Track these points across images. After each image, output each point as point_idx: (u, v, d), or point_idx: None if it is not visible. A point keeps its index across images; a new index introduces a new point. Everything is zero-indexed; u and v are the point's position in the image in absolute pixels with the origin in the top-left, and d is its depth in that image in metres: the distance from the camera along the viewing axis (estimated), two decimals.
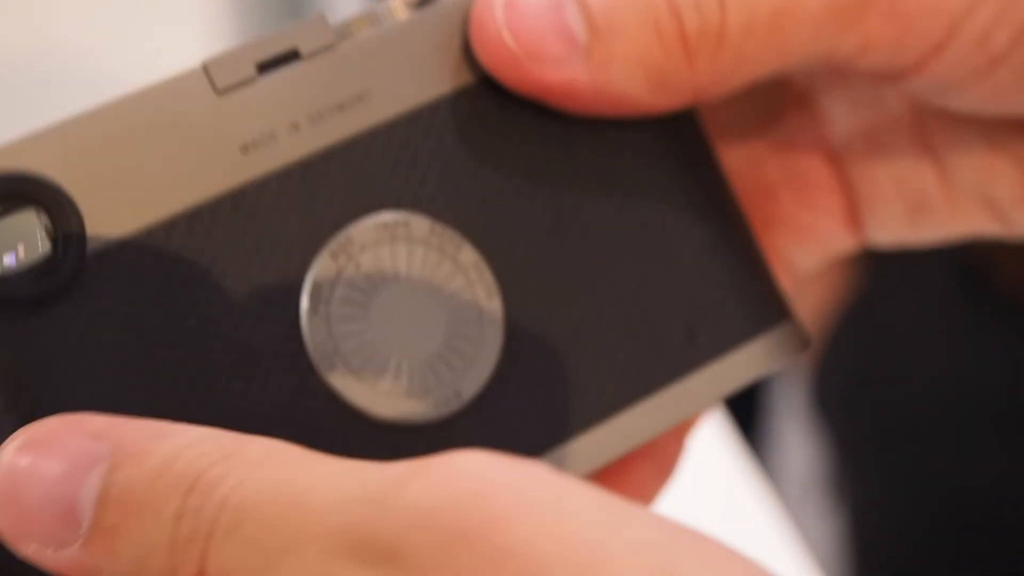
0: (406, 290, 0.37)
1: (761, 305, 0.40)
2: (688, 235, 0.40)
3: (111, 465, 0.32)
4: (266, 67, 0.37)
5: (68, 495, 0.32)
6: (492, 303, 0.38)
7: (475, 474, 0.29)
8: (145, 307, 0.35)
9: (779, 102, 0.45)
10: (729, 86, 0.39)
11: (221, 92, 0.36)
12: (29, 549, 0.32)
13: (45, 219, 0.34)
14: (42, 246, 0.34)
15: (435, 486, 0.29)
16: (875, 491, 1.03)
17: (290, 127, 0.37)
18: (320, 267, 0.36)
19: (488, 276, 0.38)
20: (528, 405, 0.38)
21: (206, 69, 0.36)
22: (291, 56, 0.37)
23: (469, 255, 0.38)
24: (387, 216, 0.37)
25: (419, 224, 0.37)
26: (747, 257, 0.41)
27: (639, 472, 0.42)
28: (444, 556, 0.29)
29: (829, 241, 0.45)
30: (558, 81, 0.38)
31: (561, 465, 0.38)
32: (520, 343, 0.38)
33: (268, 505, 0.30)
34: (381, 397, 0.36)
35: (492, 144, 0.38)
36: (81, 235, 0.34)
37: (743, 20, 0.38)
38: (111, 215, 0.35)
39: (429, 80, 0.38)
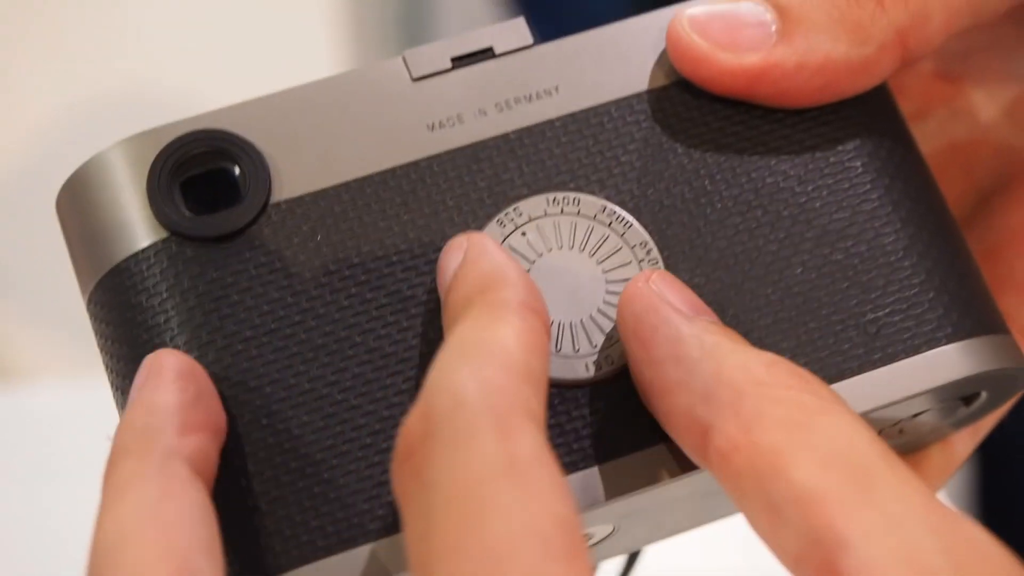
0: (569, 258, 0.39)
1: (963, 310, 0.39)
2: (882, 229, 0.40)
3: None
4: (461, 61, 0.40)
5: None
6: None
7: None
8: (317, 254, 0.38)
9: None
10: (934, 22, 0.39)
11: (416, 79, 0.40)
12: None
13: (238, 171, 0.39)
14: (232, 194, 0.39)
15: None
16: None
17: (477, 112, 0.40)
18: (486, 232, 0.39)
19: (655, 254, 0.39)
20: None
21: (404, 59, 0.40)
22: (486, 53, 0.41)
23: (638, 234, 0.39)
24: (559, 193, 0.39)
25: (590, 202, 0.39)
26: (949, 256, 0.40)
27: (933, 459, 0.43)
28: None
29: None
30: (761, 63, 0.39)
31: None
32: None
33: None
34: None
35: (678, 137, 0.40)
36: (267, 188, 0.39)
37: None
38: (298, 174, 0.39)
39: (620, 80, 0.40)
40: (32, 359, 0.85)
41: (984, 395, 0.41)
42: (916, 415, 0.40)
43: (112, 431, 0.36)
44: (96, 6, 0.98)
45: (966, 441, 0.44)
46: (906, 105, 0.45)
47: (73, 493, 0.69)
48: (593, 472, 0.38)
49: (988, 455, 1.01)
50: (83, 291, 0.40)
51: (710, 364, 0.34)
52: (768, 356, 0.35)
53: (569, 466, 0.38)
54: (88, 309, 0.40)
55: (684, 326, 0.35)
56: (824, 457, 0.32)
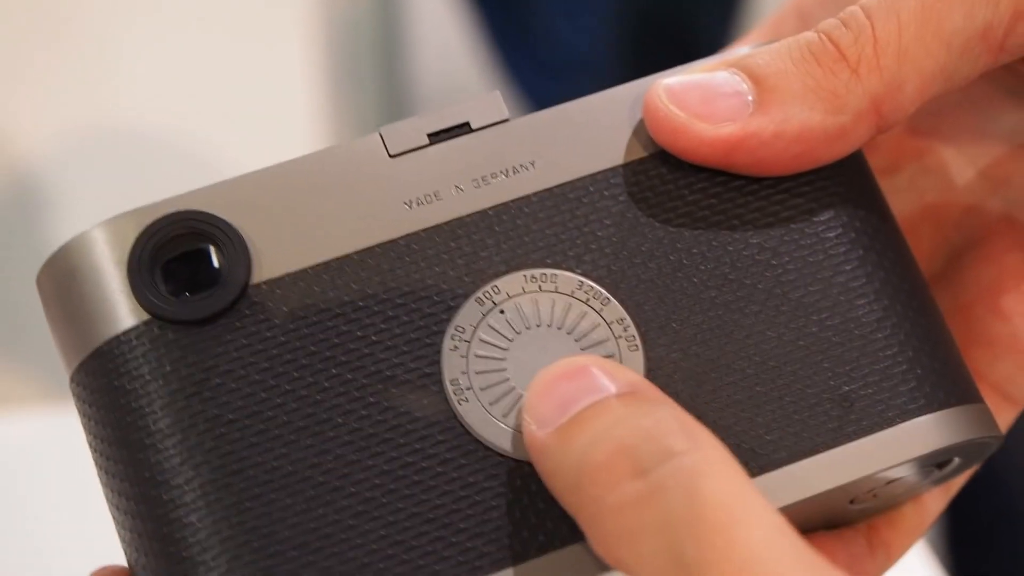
0: (547, 337, 0.39)
1: (936, 381, 0.40)
2: (855, 301, 0.40)
3: None
4: (437, 136, 0.41)
5: None
6: (634, 357, 0.39)
7: None
8: (297, 335, 0.39)
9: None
10: (907, 89, 0.40)
11: (393, 155, 0.40)
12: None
13: (218, 253, 0.39)
14: (212, 275, 0.39)
15: None
16: None
17: (455, 188, 0.40)
18: (465, 311, 0.39)
19: (632, 331, 0.40)
20: None
21: (381, 135, 0.40)
22: (462, 128, 0.41)
23: (615, 311, 0.40)
24: (536, 270, 0.40)
25: (567, 279, 0.40)
26: (923, 327, 0.40)
27: (906, 518, 0.44)
28: None
29: None
30: (738, 133, 0.40)
31: None
32: None
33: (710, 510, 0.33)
34: (508, 433, 0.38)
35: (655, 211, 0.40)
36: (247, 270, 0.39)
37: (891, 19, 0.39)
38: (278, 254, 0.39)
39: (597, 154, 0.41)
40: (5, 389, 0.85)
41: (957, 460, 0.41)
42: (891, 481, 0.41)
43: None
44: (80, 53, 0.99)
45: (938, 499, 0.45)
46: (877, 160, 0.45)
47: (45, 523, 0.69)
48: (573, 550, 0.38)
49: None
50: (66, 368, 0.40)
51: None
52: None
53: (543, 546, 0.38)
54: (71, 388, 0.40)
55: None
56: None
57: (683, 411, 0.36)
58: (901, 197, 0.46)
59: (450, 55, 1.14)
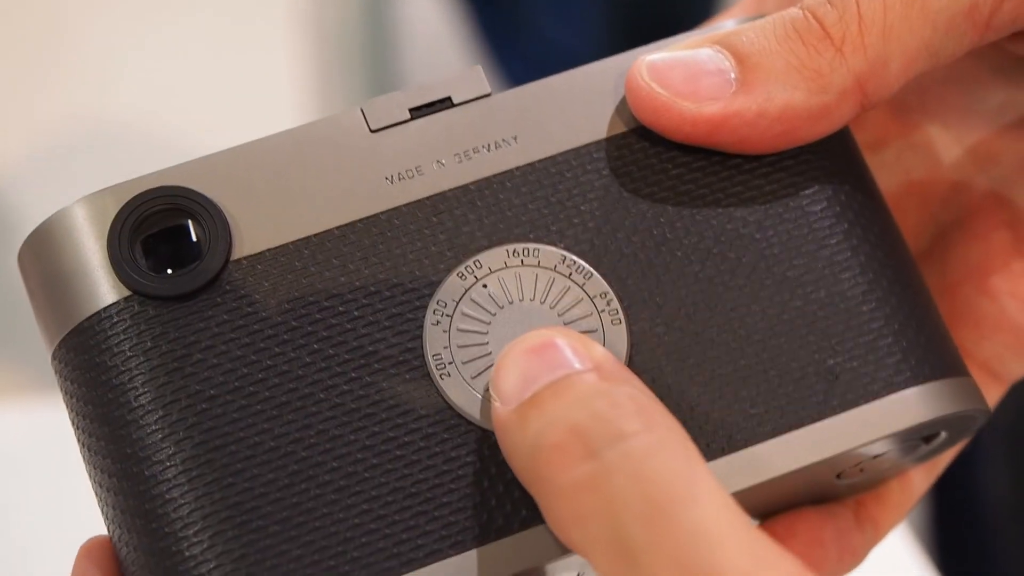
0: (529, 311, 0.39)
1: (922, 354, 0.40)
2: (841, 275, 0.40)
3: None
4: (419, 111, 0.40)
5: None
6: (617, 331, 0.39)
7: None
8: (279, 310, 0.39)
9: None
10: (892, 68, 0.39)
11: (374, 130, 0.40)
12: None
13: (199, 228, 0.39)
14: (193, 251, 0.39)
15: None
16: None
17: (436, 163, 0.40)
18: (447, 286, 0.39)
19: (615, 305, 0.39)
20: None
21: (363, 110, 0.40)
22: (444, 103, 0.41)
23: (598, 285, 0.39)
24: (519, 244, 0.40)
25: (549, 253, 0.40)
26: (909, 300, 0.40)
27: (892, 495, 0.44)
28: None
29: None
30: (721, 112, 0.39)
31: None
32: (642, 370, 0.39)
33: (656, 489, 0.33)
34: (488, 406, 0.38)
35: (638, 185, 0.40)
36: (227, 245, 0.39)
37: None
38: (259, 229, 0.39)
39: (580, 128, 0.41)
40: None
41: (944, 434, 0.41)
42: (877, 455, 0.41)
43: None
44: (63, 46, 0.98)
45: (924, 476, 0.45)
46: (863, 136, 0.45)
47: (30, 513, 0.69)
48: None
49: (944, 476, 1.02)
50: (47, 346, 0.40)
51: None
52: None
53: (526, 520, 0.38)
54: (53, 365, 0.40)
55: None
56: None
57: (643, 391, 0.36)
58: (887, 174, 0.46)
59: (439, 51, 1.14)
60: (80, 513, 0.42)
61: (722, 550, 0.32)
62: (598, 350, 0.36)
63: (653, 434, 0.34)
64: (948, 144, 0.47)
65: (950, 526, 1.03)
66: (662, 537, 0.33)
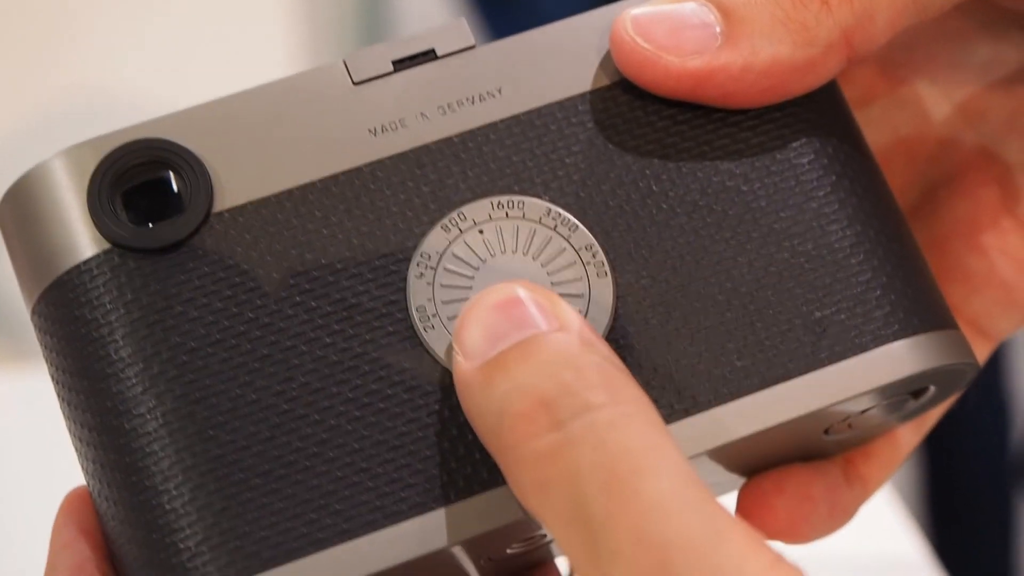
0: (514, 264, 0.39)
1: (910, 306, 0.39)
2: (828, 227, 0.40)
3: None
4: (402, 64, 0.40)
5: None
6: (602, 283, 0.39)
7: None
8: (261, 263, 0.38)
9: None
10: (879, 21, 0.39)
11: (357, 83, 0.40)
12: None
13: (180, 181, 0.39)
14: (174, 204, 0.39)
15: None
16: None
17: (420, 115, 0.40)
18: (431, 238, 0.39)
19: (601, 257, 0.39)
20: None
21: (345, 63, 0.40)
22: (428, 55, 0.40)
23: (583, 237, 0.39)
24: (503, 197, 0.39)
25: (534, 205, 0.39)
26: (897, 252, 0.40)
27: (879, 453, 0.43)
28: None
29: None
30: (706, 67, 0.39)
31: None
32: (628, 323, 0.39)
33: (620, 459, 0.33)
34: None
35: (623, 138, 0.40)
36: (208, 197, 0.38)
37: None
38: (240, 182, 0.39)
39: (564, 81, 0.40)
40: None
41: (932, 389, 0.41)
42: (865, 410, 0.41)
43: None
44: (46, 10, 0.98)
45: (911, 435, 0.44)
46: (850, 93, 0.45)
47: (13, 481, 0.69)
48: None
49: (932, 444, 1.02)
50: (27, 302, 0.39)
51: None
52: None
53: None
54: (32, 320, 0.39)
55: None
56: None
57: (611, 358, 0.35)
58: (874, 130, 0.46)
59: (432, 23, 1.13)
60: (62, 476, 0.41)
61: (681, 521, 0.32)
62: (565, 309, 0.36)
63: (619, 407, 0.34)
64: (936, 100, 0.46)
65: (939, 493, 1.03)
66: (622, 507, 0.33)
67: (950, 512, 1.05)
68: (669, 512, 0.32)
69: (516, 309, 0.35)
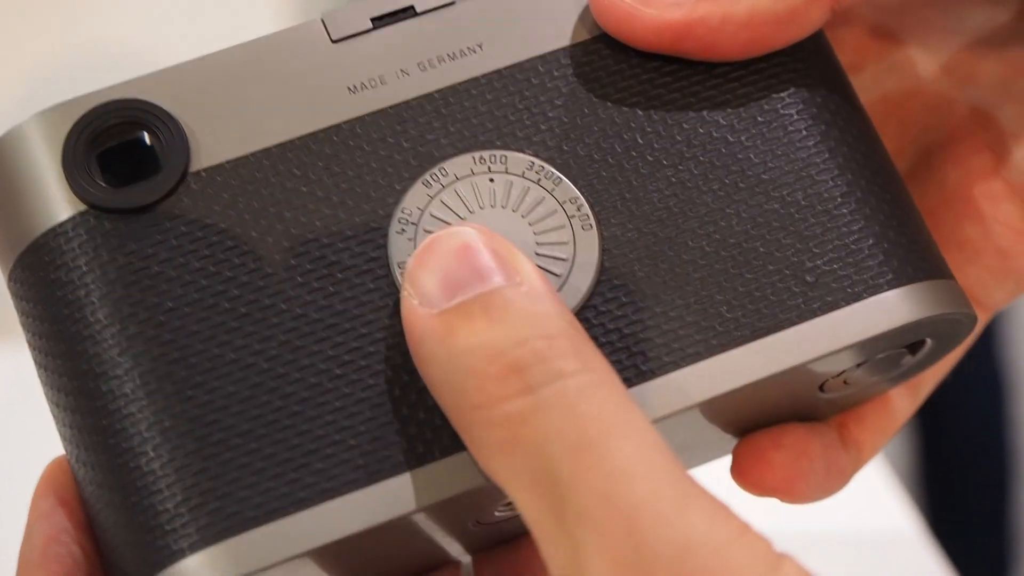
0: (497, 218, 0.38)
1: (904, 255, 0.39)
2: (818, 177, 0.39)
3: None
4: (381, 21, 0.39)
5: None
6: (588, 236, 0.38)
7: None
8: (239, 222, 0.37)
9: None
10: None
11: (336, 40, 0.39)
12: None
13: (156, 141, 0.38)
14: (151, 165, 0.38)
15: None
16: None
17: (399, 72, 0.39)
18: (412, 194, 0.38)
19: (586, 210, 0.38)
20: (616, 338, 0.37)
21: (323, 20, 0.39)
22: (407, 12, 0.40)
23: (567, 190, 0.38)
24: (485, 151, 0.39)
25: (517, 159, 0.39)
26: (890, 201, 0.39)
27: (875, 419, 0.43)
28: None
29: None
30: (685, 19, 0.38)
31: (644, 401, 0.37)
32: (614, 276, 0.38)
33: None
34: None
35: (607, 90, 0.39)
36: (185, 156, 0.38)
37: None
38: (218, 141, 0.38)
39: (545, 35, 0.40)
40: None
41: (929, 343, 0.40)
42: (860, 364, 0.40)
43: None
44: None
45: (906, 403, 0.43)
46: (841, 58, 0.44)
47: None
48: None
49: (927, 419, 1.01)
50: (3, 268, 0.39)
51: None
52: None
53: None
54: (8, 286, 0.39)
55: None
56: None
57: (576, 327, 0.35)
58: (865, 95, 0.45)
59: None
60: (44, 450, 0.40)
61: (649, 485, 0.32)
62: (528, 269, 0.35)
63: (589, 375, 0.34)
64: (927, 65, 0.46)
65: (933, 467, 1.02)
66: (590, 469, 0.32)
67: (944, 487, 1.04)
68: (637, 475, 0.32)
69: (474, 258, 0.35)
